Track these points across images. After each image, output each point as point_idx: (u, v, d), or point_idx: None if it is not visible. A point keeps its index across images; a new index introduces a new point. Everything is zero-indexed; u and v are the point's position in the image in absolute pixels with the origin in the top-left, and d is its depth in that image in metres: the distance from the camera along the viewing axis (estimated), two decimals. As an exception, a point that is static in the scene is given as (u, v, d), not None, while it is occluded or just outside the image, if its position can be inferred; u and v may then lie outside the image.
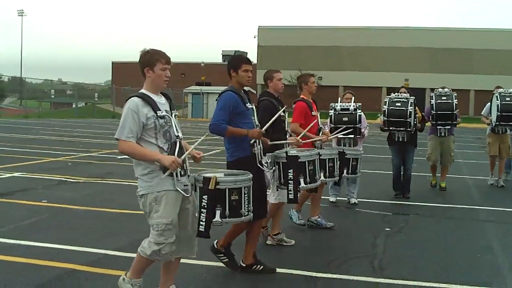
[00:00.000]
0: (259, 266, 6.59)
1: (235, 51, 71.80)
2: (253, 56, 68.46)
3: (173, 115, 5.27)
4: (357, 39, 64.63)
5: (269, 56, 65.75)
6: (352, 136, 9.90)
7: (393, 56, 64.52)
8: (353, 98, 10.53)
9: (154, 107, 5.08)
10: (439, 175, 13.02)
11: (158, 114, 5.06)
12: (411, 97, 11.16)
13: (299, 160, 6.53)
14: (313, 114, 8.85)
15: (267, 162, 6.56)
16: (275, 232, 7.86)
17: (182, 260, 5.57)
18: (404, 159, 11.67)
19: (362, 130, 10.23)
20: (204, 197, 5.19)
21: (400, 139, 11.39)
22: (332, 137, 9.09)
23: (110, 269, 6.37)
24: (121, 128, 4.95)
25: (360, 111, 10.14)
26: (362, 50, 64.88)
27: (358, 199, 10.88)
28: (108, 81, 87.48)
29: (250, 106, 6.58)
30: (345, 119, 10.07)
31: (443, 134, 12.40)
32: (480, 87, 56.75)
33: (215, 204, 5.22)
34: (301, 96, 8.90)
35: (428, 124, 12.29)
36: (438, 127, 12.25)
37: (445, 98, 11.95)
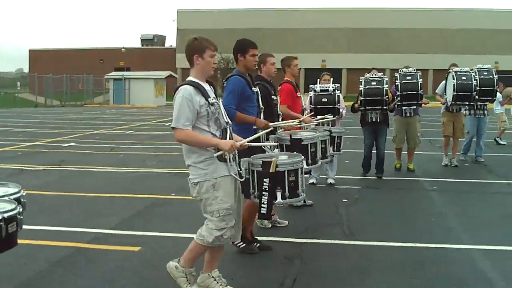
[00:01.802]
0: (256, 243, 6.90)
1: (153, 35, 71.19)
2: (172, 40, 67.96)
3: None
4: (277, 20, 65.14)
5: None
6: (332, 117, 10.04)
7: (311, 37, 65.36)
8: (331, 79, 10.66)
9: (205, 94, 5.08)
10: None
11: (210, 101, 5.04)
12: (384, 76, 11.34)
13: (277, 169, 5.46)
14: (298, 95, 9.00)
15: (271, 146, 6.53)
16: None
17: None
18: (376, 139, 11.87)
19: (341, 111, 10.37)
20: (265, 180, 5.24)
21: (374, 119, 11.59)
22: (315, 122, 9.18)
23: (113, 245, 7.14)
24: (177, 117, 4.94)
25: (339, 91, 10.28)
26: (282, 31, 65.40)
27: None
28: (20, 69, 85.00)
29: (256, 90, 6.68)
30: (325, 99, 10.20)
31: (408, 115, 12.47)
32: (396, 66, 58.13)
33: (276, 186, 5.26)
34: (285, 78, 8.98)
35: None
36: (404, 107, 12.25)
37: (409, 78, 11.95)
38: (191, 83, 5.09)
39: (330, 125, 10.02)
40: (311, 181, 11.02)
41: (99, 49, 67.88)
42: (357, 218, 8.65)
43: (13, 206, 3.57)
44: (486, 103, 13.40)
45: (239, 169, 5.25)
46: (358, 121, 12.14)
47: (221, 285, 5.36)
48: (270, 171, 5.30)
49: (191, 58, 5.18)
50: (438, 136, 15.96)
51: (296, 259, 6.69)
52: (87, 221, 8.24)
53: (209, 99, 5.08)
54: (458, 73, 12.63)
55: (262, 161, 5.42)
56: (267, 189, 5.28)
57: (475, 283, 5.97)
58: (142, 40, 74.96)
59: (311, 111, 9.97)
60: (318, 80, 10.77)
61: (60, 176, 12.30)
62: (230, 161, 5.11)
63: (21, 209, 3.62)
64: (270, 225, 8.04)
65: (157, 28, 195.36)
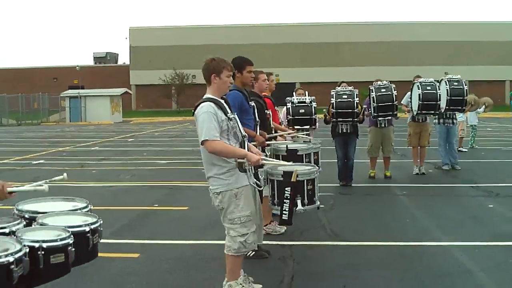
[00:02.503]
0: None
1: (106, 53, 71.06)
2: (125, 57, 67.92)
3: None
4: (229, 37, 65.61)
5: (142, 56, 65.63)
6: (308, 128, 10.55)
7: (264, 52, 65.94)
8: (307, 92, 11.20)
9: (224, 110, 5.48)
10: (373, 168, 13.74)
11: (228, 116, 5.46)
12: (355, 89, 11.90)
13: (298, 179, 5.87)
14: (276, 109, 9.46)
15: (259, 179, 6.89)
16: (267, 222, 8.33)
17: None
18: (347, 149, 12.38)
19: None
20: (286, 189, 5.68)
21: (344, 131, 12.11)
22: (298, 134, 9.57)
23: (113, 252, 7.34)
24: (207, 129, 5.30)
25: (315, 103, 10.80)
26: (235, 47, 65.55)
27: None
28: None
29: (252, 104, 7.14)
30: (302, 111, 10.74)
31: (383, 125, 13.09)
32: (348, 79, 59.14)
33: (296, 194, 5.69)
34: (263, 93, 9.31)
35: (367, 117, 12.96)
36: (379, 118, 12.82)
37: (384, 90, 12.56)
38: (212, 100, 5.50)
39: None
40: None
41: (53, 68, 67.52)
42: (337, 222, 9.13)
43: (95, 219, 3.84)
44: (455, 112, 14.03)
45: (256, 179, 5.70)
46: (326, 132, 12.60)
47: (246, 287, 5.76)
48: (292, 180, 5.75)
49: (209, 77, 5.60)
50: (400, 145, 16.57)
51: (288, 260, 7.14)
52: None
53: (228, 114, 5.50)
54: (423, 83, 13.21)
55: (283, 171, 5.90)
56: (289, 197, 5.75)
57: (458, 275, 6.50)
58: (95, 58, 74.90)
59: (288, 122, 10.45)
60: (294, 93, 11.29)
61: (38, 192, 12.35)
62: (249, 172, 5.53)
63: (101, 222, 3.87)
64: (283, 230, 8.40)
65: (110, 45, 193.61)
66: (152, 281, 6.38)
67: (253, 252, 6.93)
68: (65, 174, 4.01)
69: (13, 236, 3.33)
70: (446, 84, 13.22)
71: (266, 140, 7.49)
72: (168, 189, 12.56)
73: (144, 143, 25.71)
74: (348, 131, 12.14)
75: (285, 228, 8.45)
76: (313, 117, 10.69)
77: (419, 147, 14.24)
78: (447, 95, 13.13)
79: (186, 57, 64.51)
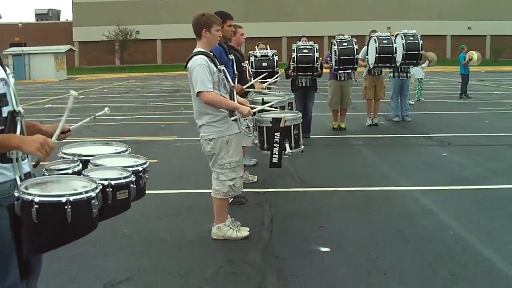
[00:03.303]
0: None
1: (48, 9, 69.59)
2: (68, 14, 66.64)
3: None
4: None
5: (85, 12, 64.59)
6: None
7: (206, 7, 65.43)
8: (268, 46, 11.59)
9: (215, 63, 5.86)
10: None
11: (219, 68, 5.85)
12: (315, 44, 12.33)
13: (286, 124, 6.39)
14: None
15: (248, 126, 7.25)
16: None
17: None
18: (306, 102, 12.85)
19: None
20: (276, 134, 6.14)
21: (303, 84, 12.57)
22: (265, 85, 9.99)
23: None
24: (201, 81, 5.67)
25: (276, 57, 11.22)
26: (178, 2, 65.36)
27: None
28: None
29: (231, 57, 7.53)
30: (265, 64, 11.16)
31: (342, 79, 13.63)
32: (292, 34, 59.64)
33: (284, 138, 6.15)
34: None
35: (326, 70, 13.47)
36: (339, 71, 13.35)
37: (346, 44, 13.03)
38: (203, 53, 5.85)
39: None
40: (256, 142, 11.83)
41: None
42: (302, 169, 9.66)
43: (144, 159, 4.07)
44: (410, 66, 14.64)
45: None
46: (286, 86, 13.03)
47: (235, 230, 6.22)
48: (280, 126, 6.23)
49: (199, 32, 5.91)
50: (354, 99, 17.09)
51: (265, 205, 7.63)
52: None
53: (218, 66, 5.87)
54: (380, 37, 13.84)
55: (272, 118, 6.37)
56: (278, 142, 6.23)
57: (423, 215, 7.10)
58: (36, 15, 73.25)
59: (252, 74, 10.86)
60: (256, 47, 11.66)
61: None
62: (238, 120, 5.95)
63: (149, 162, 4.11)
64: (255, 179, 8.86)
65: (51, 2, 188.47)
66: (143, 228, 6.77)
67: (232, 199, 7.32)
68: (106, 109, 4.35)
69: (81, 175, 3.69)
70: (402, 39, 13.81)
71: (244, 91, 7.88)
72: (135, 143, 12.82)
73: (96, 99, 25.68)
74: (307, 85, 12.59)
75: (256, 177, 8.93)
76: (276, 69, 11.10)
77: (373, 100, 14.77)
78: (403, 49, 13.72)
79: (130, 13, 63.89)
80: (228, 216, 6.32)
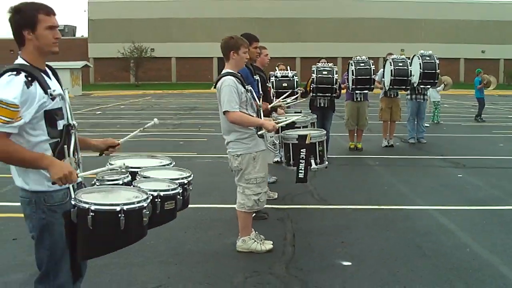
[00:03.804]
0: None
1: (64, 25, 70.31)
2: (84, 31, 67.40)
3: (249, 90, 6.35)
4: (187, 10, 65.64)
5: (101, 30, 65.29)
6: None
7: (221, 26, 66.18)
8: (289, 67, 11.89)
9: (243, 83, 6.16)
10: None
11: (247, 89, 6.15)
12: (334, 66, 12.62)
13: (311, 141, 6.78)
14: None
15: (274, 143, 7.64)
16: None
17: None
18: (324, 123, 13.08)
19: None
20: (302, 150, 6.44)
21: (322, 105, 12.80)
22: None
23: None
24: (228, 101, 5.97)
25: (297, 77, 11.50)
26: (192, 21, 65.98)
27: None
28: None
29: (257, 78, 7.82)
30: (285, 84, 11.42)
31: (359, 99, 13.92)
32: (306, 55, 60.14)
33: (310, 155, 6.44)
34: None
35: (344, 91, 13.72)
36: (356, 92, 13.65)
37: (363, 64, 13.33)
38: (232, 74, 6.16)
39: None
40: (275, 159, 12.10)
41: (9, 40, 66.41)
42: (322, 188, 9.86)
43: (189, 172, 4.36)
44: (427, 86, 14.92)
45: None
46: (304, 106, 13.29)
47: (259, 243, 6.48)
48: (306, 142, 6.58)
49: (228, 53, 6.24)
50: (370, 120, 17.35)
51: (287, 221, 7.88)
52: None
53: (246, 87, 6.17)
54: (395, 60, 14.15)
55: (299, 135, 6.74)
56: (304, 158, 6.53)
57: (440, 233, 7.33)
58: (53, 31, 73.94)
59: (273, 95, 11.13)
60: (276, 68, 11.96)
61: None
62: (265, 137, 6.25)
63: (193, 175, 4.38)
64: (276, 196, 9.12)
65: (67, 18, 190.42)
66: (170, 239, 7.02)
67: (254, 214, 7.65)
68: (155, 119, 4.65)
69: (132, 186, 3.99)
70: (419, 59, 14.14)
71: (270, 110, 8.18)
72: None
73: (113, 115, 26.06)
74: (326, 106, 12.82)
75: (277, 193, 9.19)
76: (295, 90, 11.38)
77: (389, 121, 15.02)
78: (420, 68, 14.03)
79: (145, 30, 64.51)
80: (253, 229, 6.58)
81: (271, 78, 11.48)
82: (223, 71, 6.25)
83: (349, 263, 6.17)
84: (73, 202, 3.50)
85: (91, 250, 3.57)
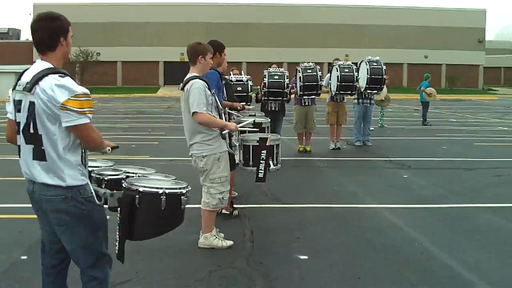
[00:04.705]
0: (236, 211, 8.31)
1: (8, 28, 69.33)
2: (29, 34, 66.20)
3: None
4: (132, 15, 65.34)
5: (46, 33, 64.37)
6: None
7: (169, 31, 66.22)
8: (243, 72, 12.25)
9: (209, 87, 6.48)
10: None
11: (212, 92, 6.48)
12: (285, 71, 13.03)
13: (270, 144, 7.33)
14: None
15: (235, 145, 8.02)
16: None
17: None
18: (274, 126, 13.44)
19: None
20: (262, 151, 6.81)
21: (273, 108, 13.19)
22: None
23: None
24: (197, 103, 6.27)
25: (250, 82, 11.86)
26: (138, 25, 65.74)
27: None
28: None
29: (223, 82, 8.18)
30: (239, 88, 11.81)
31: (307, 104, 14.34)
32: (253, 59, 60.58)
33: (269, 156, 6.82)
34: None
35: (293, 96, 14.12)
36: (304, 97, 14.07)
37: (310, 71, 13.76)
38: (200, 78, 6.47)
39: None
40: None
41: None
42: (275, 188, 10.08)
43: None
44: (374, 91, 15.47)
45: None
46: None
47: (220, 239, 6.80)
48: (267, 144, 6.99)
49: (195, 58, 6.53)
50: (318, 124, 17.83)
51: (244, 219, 8.21)
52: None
53: (211, 90, 6.50)
54: (341, 66, 14.59)
55: (259, 137, 7.20)
56: (264, 159, 6.90)
57: (390, 230, 7.79)
58: (-4, 35, 72.81)
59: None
60: (231, 72, 12.30)
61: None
62: (227, 139, 6.60)
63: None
64: (237, 194, 9.42)
65: (12, 21, 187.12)
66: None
67: (238, 212, 8.23)
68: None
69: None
70: (366, 64, 14.66)
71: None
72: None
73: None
74: (277, 109, 13.22)
75: (237, 193, 9.52)
76: (249, 94, 11.75)
77: (335, 125, 15.51)
78: (367, 74, 14.56)
79: (91, 34, 63.86)
80: (214, 227, 6.90)
81: (225, 82, 11.79)
82: (190, 75, 6.54)
83: (306, 257, 6.54)
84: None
85: (153, 230, 4.30)
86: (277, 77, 12.87)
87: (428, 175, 11.84)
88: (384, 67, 14.89)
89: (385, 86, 18.39)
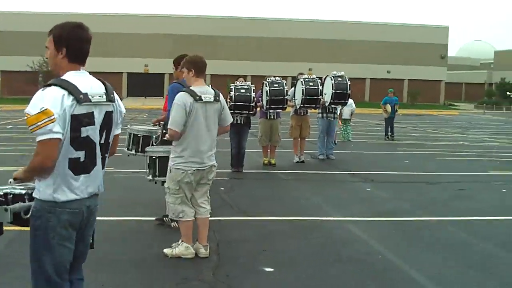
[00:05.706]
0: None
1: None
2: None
3: None
4: (99, 25, 64.78)
5: (10, 42, 63.63)
6: None
7: (133, 42, 66.09)
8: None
9: None
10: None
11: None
12: (252, 85, 13.11)
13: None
14: None
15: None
16: None
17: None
18: (239, 139, 13.53)
19: None
20: None
21: (238, 122, 13.23)
22: None
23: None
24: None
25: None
26: (104, 36, 65.27)
27: None
28: None
29: None
30: None
31: (272, 117, 14.44)
32: (217, 72, 60.59)
33: None
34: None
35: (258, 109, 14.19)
36: (270, 111, 14.16)
37: (277, 85, 13.89)
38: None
39: None
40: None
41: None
42: (240, 201, 10.21)
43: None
44: (338, 106, 15.64)
45: None
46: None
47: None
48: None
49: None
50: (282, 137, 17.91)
51: (210, 232, 8.18)
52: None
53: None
54: (306, 79, 14.73)
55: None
56: None
57: (354, 242, 7.89)
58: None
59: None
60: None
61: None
62: None
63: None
64: None
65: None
66: (96, 250, 7.19)
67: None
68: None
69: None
70: (331, 80, 14.82)
71: None
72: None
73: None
74: (242, 123, 13.29)
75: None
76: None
77: (299, 138, 15.61)
78: (333, 89, 14.70)
79: (55, 44, 63.30)
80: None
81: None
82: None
83: (272, 269, 6.58)
84: None
85: None
86: (243, 90, 12.93)
87: (391, 189, 12.03)
88: (349, 82, 15.08)
89: (353, 102, 18.72)
